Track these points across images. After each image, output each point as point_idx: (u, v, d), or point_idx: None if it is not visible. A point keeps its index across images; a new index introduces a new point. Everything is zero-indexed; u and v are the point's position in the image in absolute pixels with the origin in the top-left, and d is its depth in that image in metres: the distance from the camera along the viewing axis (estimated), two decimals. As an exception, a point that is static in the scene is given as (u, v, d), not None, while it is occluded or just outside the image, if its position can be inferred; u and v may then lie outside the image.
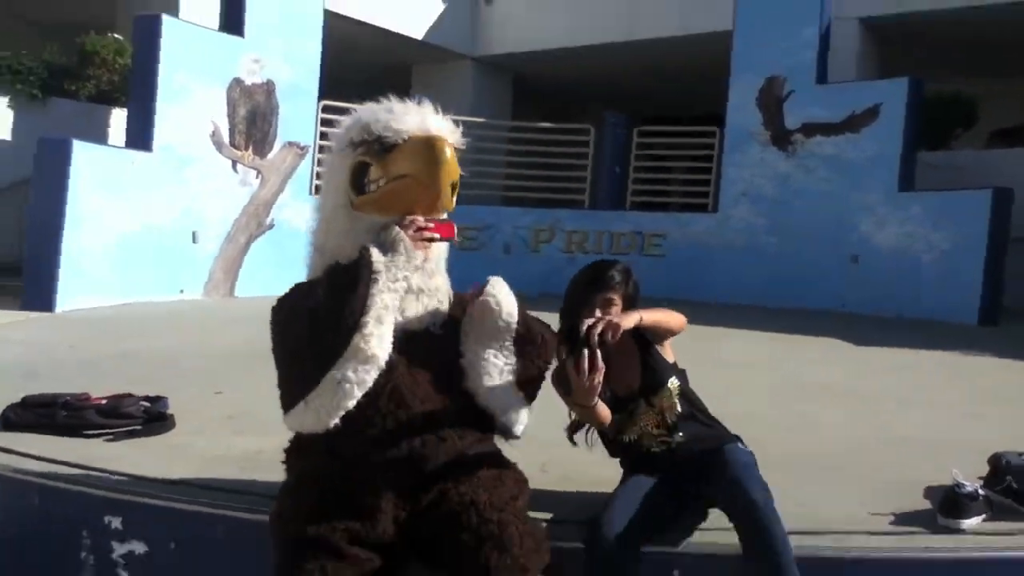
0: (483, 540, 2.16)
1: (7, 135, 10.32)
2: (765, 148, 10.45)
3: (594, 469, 2.80)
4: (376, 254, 2.28)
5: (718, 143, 10.89)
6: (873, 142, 9.72)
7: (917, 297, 9.00)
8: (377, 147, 2.39)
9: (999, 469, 2.66)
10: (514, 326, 2.44)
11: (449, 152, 2.36)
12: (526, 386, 2.49)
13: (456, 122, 2.52)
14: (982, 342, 7.12)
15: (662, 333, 2.61)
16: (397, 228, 2.33)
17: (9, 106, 10.35)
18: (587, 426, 2.71)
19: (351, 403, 2.25)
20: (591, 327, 2.30)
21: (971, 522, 2.46)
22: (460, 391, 2.41)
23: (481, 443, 2.45)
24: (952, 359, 6.33)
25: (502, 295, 2.45)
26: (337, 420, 2.26)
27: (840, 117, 9.99)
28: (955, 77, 12.18)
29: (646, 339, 2.61)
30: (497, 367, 2.43)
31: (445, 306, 2.46)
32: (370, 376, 2.27)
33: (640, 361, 2.58)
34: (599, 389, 2.35)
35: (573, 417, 2.70)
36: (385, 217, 2.38)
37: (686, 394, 2.67)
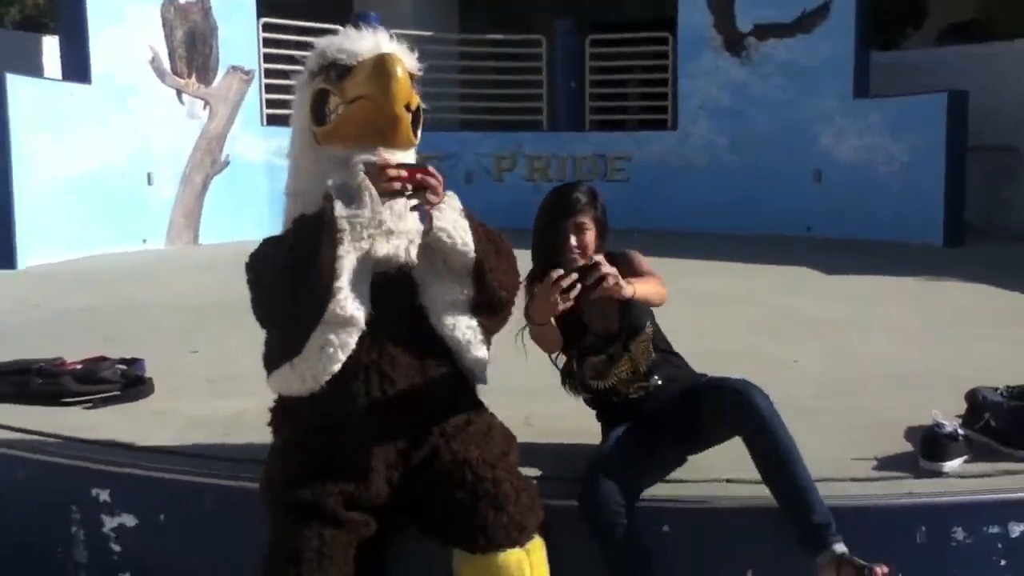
0: (479, 498, 2.18)
1: (-68, 70, 9.81)
2: (719, 55, 10.36)
3: (577, 419, 2.81)
4: (339, 208, 2.19)
5: (672, 51, 10.77)
6: (825, 43, 9.69)
7: (881, 217, 9.11)
8: (334, 73, 2.33)
9: (976, 406, 2.73)
10: (471, 256, 2.36)
11: (401, 70, 2.25)
12: (485, 321, 2.45)
13: (411, 47, 2.47)
14: (949, 265, 7.23)
15: (649, 303, 2.56)
16: (363, 175, 2.23)
17: (-69, 37, 9.82)
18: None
19: (337, 366, 2.24)
20: (604, 275, 2.24)
21: (953, 464, 2.53)
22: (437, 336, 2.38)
23: (465, 395, 2.46)
24: (920, 285, 6.41)
25: (451, 226, 2.34)
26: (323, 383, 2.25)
27: (791, 17, 9.93)
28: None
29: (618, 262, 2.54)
30: (455, 302, 2.39)
31: (416, 247, 2.37)
32: (352, 338, 2.24)
33: (619, 305, 2.54)
34: (556, 313, 2.31)
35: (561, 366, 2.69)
36: (348, 148, 2.30)
37: (659, 336, 2.67)
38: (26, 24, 10.66)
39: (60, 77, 8.72)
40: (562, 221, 2.55)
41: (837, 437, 2.88)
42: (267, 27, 10.03)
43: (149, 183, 8.84)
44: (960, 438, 2.56)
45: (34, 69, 10.06)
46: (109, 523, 2.78)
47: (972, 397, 2.80)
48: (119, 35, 8.56)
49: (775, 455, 2.29)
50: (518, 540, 2.18)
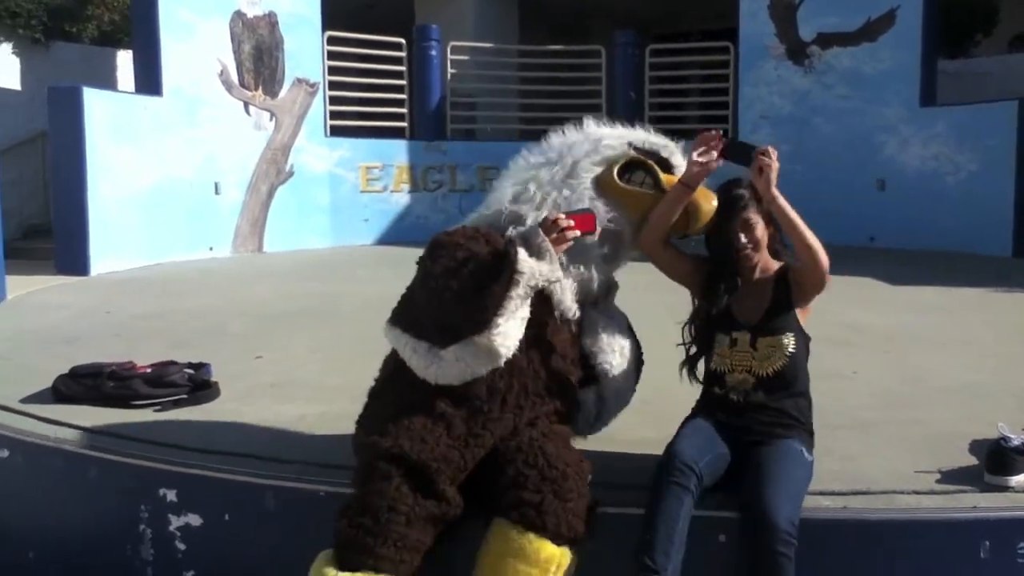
0: (544, 480, 2.26)
1: (16, 84, 10.21)
2: (780, 63, 10.26)
3: (639, 431, 2.82)
4: (523, 257, 2.37)
5: (732, 59, 10.69)
6: (890, 51, 9.54)
7: (947, 227, 8.93)
8: (654, 160, 2.67)
9: (1043, 420, 2.67)
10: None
11: None
12: None
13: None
14: (1017, 276, 7.04)
15: (798, 234, 2.49)
16: (541, 234, 2.43)
17: (14, 52, 10.19)
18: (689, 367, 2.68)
19: (460, 381, 2.39)
20: (766, 164, 2.44)
21: (1020, 478, 2.47)
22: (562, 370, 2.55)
23: (567, 411, 2.57)
24: (987, 297, 6.28)
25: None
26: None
27: (856, 25, 9.80)
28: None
29: (789, 290, 2.56)
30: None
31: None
32: (486, 368, 2.40)
33: (771, 301, 2.55)
34: (704, 176, 2.54)
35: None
36: (626, 210, 2.61)
37: (795, 364, 2.54)
38: (103, 40, 10.98)
39: (133, 90, 9.00)
40: (728, 223, 2.56)
41: (898, 449, 2.83)
42: (332, 40, 10.22)
43: (216, 192, 9.09)
44: (1027, 452, 2.50)
45: (109, 83, 10.40)
46: (175, 522, 2.86)
47: (1040, 411, 2.73)
48: (189, 49, 8.83)
49: None
50: (564, 535, 2.23)
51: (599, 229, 2.54)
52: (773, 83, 10.32)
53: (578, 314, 2.62)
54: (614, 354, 2.64)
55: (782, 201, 2.46)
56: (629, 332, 2.76)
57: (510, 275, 2.35)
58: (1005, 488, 2.47)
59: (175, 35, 8.68)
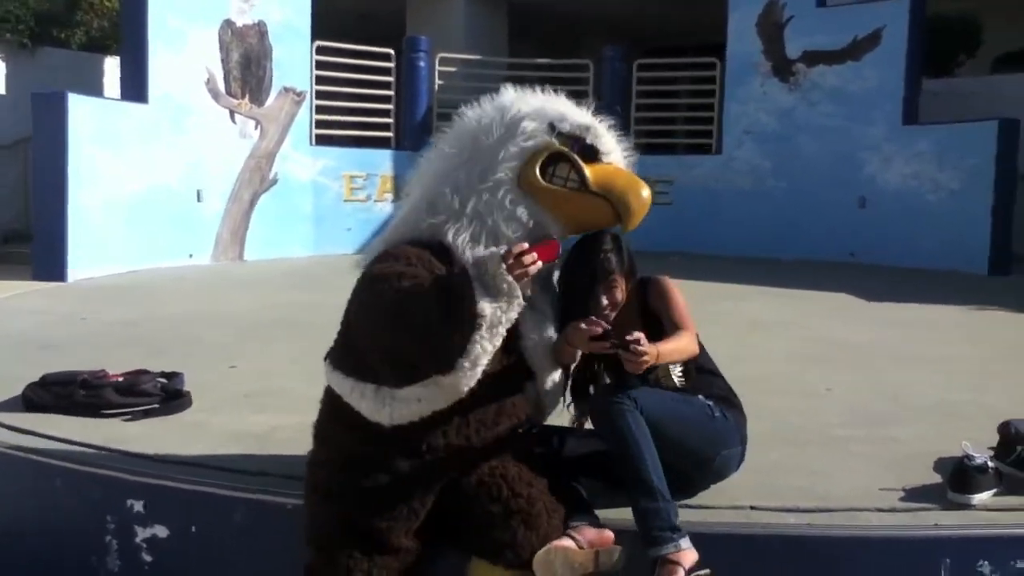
0: (512, 513, 2.22)
1: (1, 89, 10.17)
2: (767, 80, 10.33)
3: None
4: (482, 305, 2.13)
5: (719, 75, 10.76)
6: (875, 70, 9.62)
7: (926, 245, 9.00)
8: (577, 147, 2.43)
9: (1009, 439, 2.68)
10: None
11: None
12: None
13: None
14: (993, 294, 7.10)
15: (674, 362, 2.50)
16: (502, 267, 2.15)
17: (0, 57, 10.16)
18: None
19: (418, 418, 2.25)
20: (634, 352, 2.23)
21: (982, 497, 2.49)
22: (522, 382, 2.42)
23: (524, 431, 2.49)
24: (963, 315, 6.32)
25: None
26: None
27: (842, 44, 9.89)
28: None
29: (655, 319, 2.54)
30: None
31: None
32: (447, 403, 2.25)
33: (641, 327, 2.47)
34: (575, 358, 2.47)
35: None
36: (553, 213, 2.39)
37: (689, 373, 2.57)
38: (91, 46, 10.95)
39: (119, 97, 8.98)
40: (592, 288, 2.52)
41: (865, 467, 2.85)
42: (320, 50, 10.23)
43: (198, 200, 9.04)
44: (990, 471, 2.52)
45: (96, 89, 10.37)
46: (142, 533, 2.83)
47: (1005, 429, 2.75)
48: (177, 57, 8.81)
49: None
50: None
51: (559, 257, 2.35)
52: (759, 100, 10.39)
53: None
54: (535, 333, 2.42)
55: (664, 354, 2.34)
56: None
57: (471, 326, 2.13)
58: (968, 506, 2.49)
59: (164, 42, 8.66)
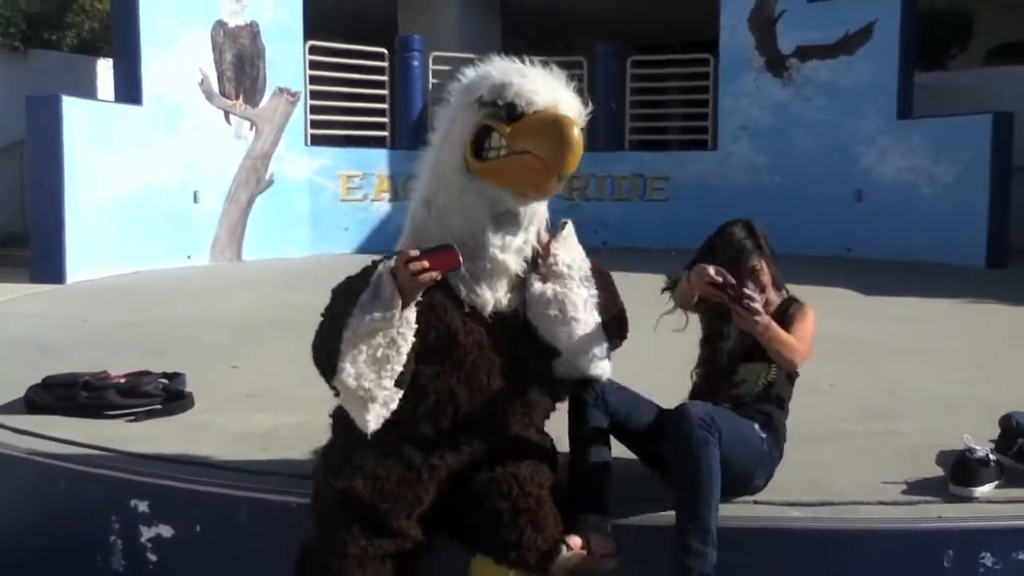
0: (519, 512, 2.20)
1: (-6, 92, 10.14)
2: (760, 75, 10.35)
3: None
4: (355, 312, 2.19)
5: (713, 71, 10.77)
6: (868, 64, 9.64)
7: (922, 238, 9.02)
8: (504, 112, 2.27)
9: (1010, 431, 2.70)
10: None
11: (578, 135, 2.21)
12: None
13: (579, 95, 2.38)
14: (991, 287, 7.12)
15: (773, 348, 2.51)
16: (385, 273, 2.18)
17: (-8, 60, 10.14)
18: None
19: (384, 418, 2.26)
20: (751, 306, 2.36)
21: (983, 489, 2.50)
22: (533, 372, 2.40)
23: (538, 433, 2.47)
24: (961, 307, 6.33)
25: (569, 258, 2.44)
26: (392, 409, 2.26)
27: (834, 38, 9.90)
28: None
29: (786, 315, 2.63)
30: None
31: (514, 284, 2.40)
32: (389, 410, 2.26)
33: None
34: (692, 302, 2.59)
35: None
36: (501, 187, 2.30)
37: (770, 396, 2.62)
38: (82, 48, 10.92)
39: (113, 99, 8.97)
40: (738, 268, 2.58)
41: (869, 461, 2.86)
42: (313, 50, 10.22)
43: (195, 201, 9.04)
44: (991, 463, 2.53)
45: (89, 91, 10.35)
46: (147, 533, 2.84)
47: (1006, 422, 2.76)
48: (170, 58, 8.79)
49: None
50: (547, 567, 2.20)
51: (462, 265, 2.22)
52: (753, 95, 10.40)
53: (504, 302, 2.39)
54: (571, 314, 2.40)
55: (771, 332, 2.43)
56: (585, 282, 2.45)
57: (340, 322, 2.21)
58: (969, 499, 2.50)
59: (156, 44, 8.65)
